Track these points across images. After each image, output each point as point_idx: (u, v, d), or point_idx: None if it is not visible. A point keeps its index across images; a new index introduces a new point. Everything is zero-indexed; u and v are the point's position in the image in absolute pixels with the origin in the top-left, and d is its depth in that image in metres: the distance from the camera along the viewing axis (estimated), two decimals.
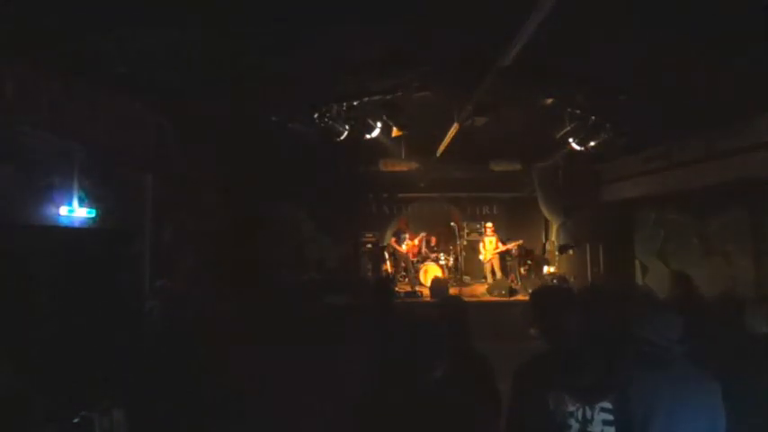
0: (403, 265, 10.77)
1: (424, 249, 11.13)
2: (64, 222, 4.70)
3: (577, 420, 1.95)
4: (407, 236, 10.92)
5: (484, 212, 12.00)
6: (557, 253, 10.39)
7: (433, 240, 11.44)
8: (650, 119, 6.12)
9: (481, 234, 11.01)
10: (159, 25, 3.71)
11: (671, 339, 2.07)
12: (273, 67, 4.64)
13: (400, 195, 11.53)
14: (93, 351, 3.89)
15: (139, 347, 4.01)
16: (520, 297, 9.17)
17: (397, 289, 9.62)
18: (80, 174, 4.90)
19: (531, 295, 2.48)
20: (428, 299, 8.78)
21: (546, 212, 10.64)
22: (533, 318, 2.24)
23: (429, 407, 1.86)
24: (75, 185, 4.85)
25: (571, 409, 1.96)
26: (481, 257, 10.66)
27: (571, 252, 9.82)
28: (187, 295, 5.02)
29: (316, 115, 5.83)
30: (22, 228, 4.26)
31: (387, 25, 3.86)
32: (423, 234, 11.11)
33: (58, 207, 4.62)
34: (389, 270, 10.73)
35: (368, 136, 6.11)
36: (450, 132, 6.73)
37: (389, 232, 11.50)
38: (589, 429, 1.95)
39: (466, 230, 11.68)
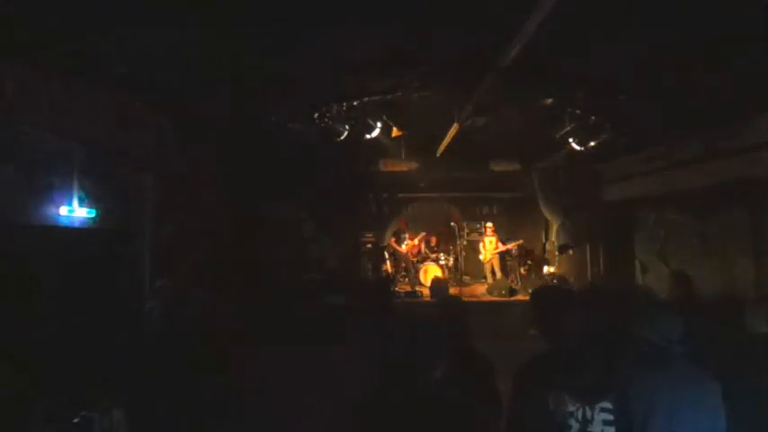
0: (403, 265, 10.78)
1: (423, 249, 11.14)
2: (64, 222, 4.70)
3: (577, 420, 1.95)
4: (407, 236, 10.92)
5: (484, 212, 11.99)
6: (557, 253, 10.39)
7: (433, 240, 11.44)
8: (650, 119, 6.11)
9: (481, 234, 11.01)
10: (159, 25, 3.71)
11: (671, 339, 2.08)
12: (273, 67, 4.64)
13: (400, 195, 11.53)
14: (93, 351, 3.89)
15: (139, 347, 4.01)
16: (520, 297, 9.17)
17: (397, 289, 9.63)
18: (80, 174, 4.90)
19: (531, 295, 2.48)
20: (428, 299, 8.77)
21: (546, 212, 10.64)
22: (533, 318, 2.24)
23: (429, 407, 1.87)
24: (75, 185, 4.85)
25: (571, 409, 1.96)
26: (481, 257, 10.66)
27: (571, 252, 9.82)
28: (187, 295, 5.02)
29: (316, 115, 5.84)
30: (22, 228, 4.26)
31: (387, 25, 3.86)
32: (423, 234, 11.11)
33: (58, 207, 4.62)
34: (389, 270, 10.73)
35: (368, 136, 6.11)
36: (450, 132, 6.73)
37: (389, 232, 11.50)
38: (589, 429, 1.95)
39: (466, 230, 11.68)
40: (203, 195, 7.35)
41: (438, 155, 8.19)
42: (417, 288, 9.81)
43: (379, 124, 6.03)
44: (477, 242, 10.96)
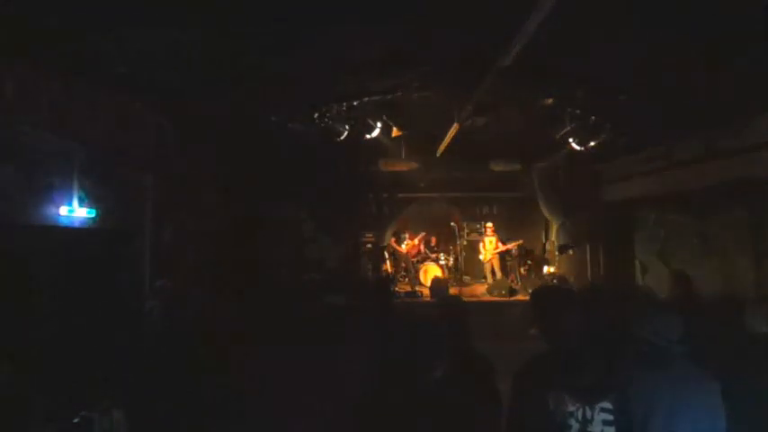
0: (403, 265, 10.78)
1: (423, 249, 11.14)
2: (64, 222, 4.70)
3: (577, 420, 1.95)
4: (407, 236, 10.92)
5: (484, 212, 11.99)
6: (557, 253, 10.39)
7: (433, 240, 11.45)
8: (650, 119, 6.11)
9: (481, 234, 11.01)
10: (159, 25, 3.71)
11: (671, 339, 2.08)
12: (273, 67, 4.64)
13: (400, 195, 11.53)
14: (93, 351, 3.89)
15: (139, 347, 4.01)
16: (520, 297, 9.17)
17: (397, 289, 9.63)
18: (80, 174, 4.90)
19: (531, 295, 2.48)
20: (428, 299, 8.78)
21: (546, 212, 10.64)
22: (533, 318, 2.24)
23: (429, 407, 1.87)
24: (75, 185, 4.85)
25: (571, 409, 1.96)
26: (481, 257, 10.66)
27: (571, 252, 9.82)
28: (187, 295, 5.02)
29: (316, 115, 5.84)
30: (22, 228, 4.26)
31: (387, 25, 3.86)
32: (423, 234, 11.12)
33: (58, 207, 4.62)
34: (389, 270, 10.73)
35: (368, 136, 6.11)
36: (450, 132, 6.73)
37: (389, 232, 11.50)
38: (589, 429, 1.95)
39: (466, 230, 11.68)
40: (203, 195, 7.35)
41: (438, 155, 8.19)
42: (417, 288, 9.81)
43: (379, 124, 6.03)
44: (477, 242, 10.96)
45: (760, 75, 4.36)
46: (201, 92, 5.25)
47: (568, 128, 6.22)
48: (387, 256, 10.89)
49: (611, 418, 1.96)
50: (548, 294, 2.54)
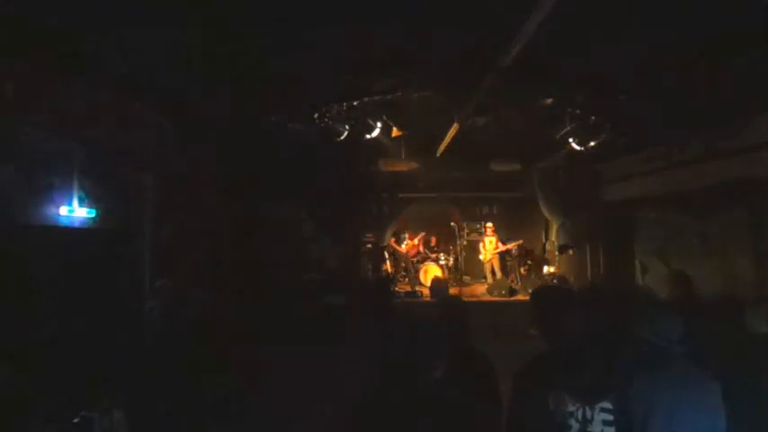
0: (403, 265, 10.78)
1: (423, 249, 11.14)
2: (64, 222, 4.70)
3: (577, 420, 1.95)
4: (407, 236, 10.92)
5: (484, 212, 11.99)
6: (557, 253, 10.39)
7: (433, 240, 11.45)
8: (650, 119, 6.11)
9: (481, 234, 11.01)
10: (159, 25, 3.71)
11: (671, 339, 2.07)
12: (273, 67, 4.64)
13: (400, 195, 11.53)
14: (93, 351, 3.89)
15: (139, 347, 4.01)
16: (520, 297, 9.17)
17: (397, 289, 9.63)
18: (80, 174, 4.90)
19: (531, 295, 2.48)
20: (428, 299, 8.78)
21: (546, 212, 10.64)
22: (533, 318, 2.24)
23: (429, 407, 1.86)
24: (75, 185, 4.85)
25: (571, 409, 1.96)
26: (481, 257, 10.66)
27: (571, 252, 9.82)
28: (187, 295, 5.02)
29: (316, 115, 5.83)
30: (22, 228, 4.26)
31: (387, 25, 3.86)
32: (422, 234, 11.12)
33: (58, 207, 4.62)
34: (389, 270, 10.73)
35: (368, 136, 6.11)
36: (450, 132, 6.73)
37: (389, 232, 11.50)
38: (589, 429, 1.95)
39: (466, 230, 11.68)
40: (203, 195, 7.35)
41: (438, 155, 8.19)
42: (417, 288, 9.81)
43: (379, 124, 6.03)
44: (477, 242, 10.96)
45: (760, 75, 4.36)
46: (201, 92, 5.24)
47: (568, 128, 6.21)
48: (387, 256, 10.90)
49: (611, 418, 1.96)
50: (548, 294, 2.54)
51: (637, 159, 7.99)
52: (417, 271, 10.49)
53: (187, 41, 3.99)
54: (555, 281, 9.52)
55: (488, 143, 7.91)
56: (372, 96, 5.50)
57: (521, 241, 10.69)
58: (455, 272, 10.97)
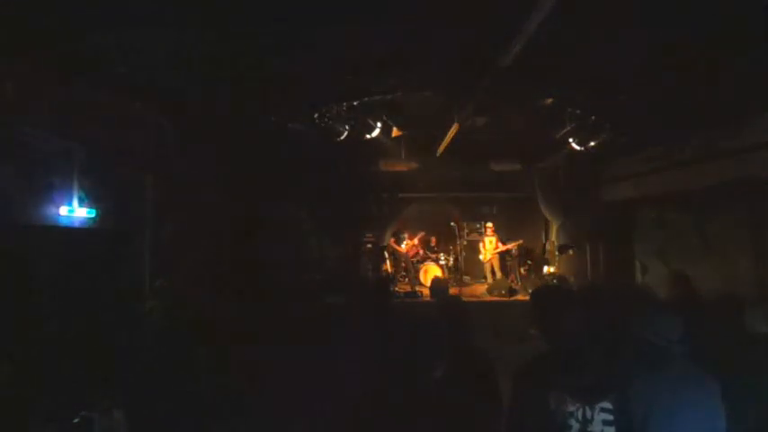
0: (403, 265, 10.78)
1: (422, 249, 11.14)
2: (64, 222, 4.70)
3: (577, 420, 1.95)
4: (407, 236, 10.92)
5: (484, 212, 11.98)
6: (557, 253, 10.38)
7: (433, 240, 11.45)
8: (650, 119, 6.12)
9: (481, 234, 11.01)
10: (159, 25, 3.71)
11: (671, 339, 2.07)
12: (273, 67, 4.64)
13: (400, 195, 11.53)
14: (93, 351, 3.90)
15: (139, 347, 4.01)
16: (520, 297, 9.17)
17: (397, 289, 9.63)
18: (80, 174, 4.90)
19: (531, 295, 2.48)
20: (428, 299, 8.78)
21: (546, 212, 10.64)
22: (533, 318, 2.24)
23: (429, 407, 1.86)
24: (75, 185, 4.85)
25: (571, 409, 1.96)
26: (481, 257, 10.66)
27: (571, 252, 9.81)
28: (187, 295, 5.02)
29: (316, 115, 5.84)
30: (22, 228, 4.26)
31: (387, 25, 3.86)
32: (421, 234, 11.12)
33: (58, 207, 4.62)
34: (389, 270, 10.73)
35: (368, 136, 6.12)
36: (450, 132, 6.73)
37: (389, 232, 11.50)
38: (589, 429, 1.95)
39: (466, 230, 11.68)
40: (203, 195, 7.35)
41: (438, 155, 8.19)
42: (417, 288, 9.81)
43: (379, 124, 6.03)
44: (477, 242, 10.96)
45: (760, 75, 4.36)
46: (201, 92, 5.25)
47: (568, 128, 6.22)
48: (387, 256, 10.89)
49: (611, 417, 1.96)
50: (548, 294, 2.53)
51: (637, 159, 7.99)
52: (417, 271, 10.49)
53: (187, 41, 3.99)
54: (555, 281, 9.51)
55: (488, 143, 7.91)
56: (372, 96, 5.50)
57: (521, 241, 10.69)
58: (455, 272, 10.97)
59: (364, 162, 9.15)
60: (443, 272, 10.48)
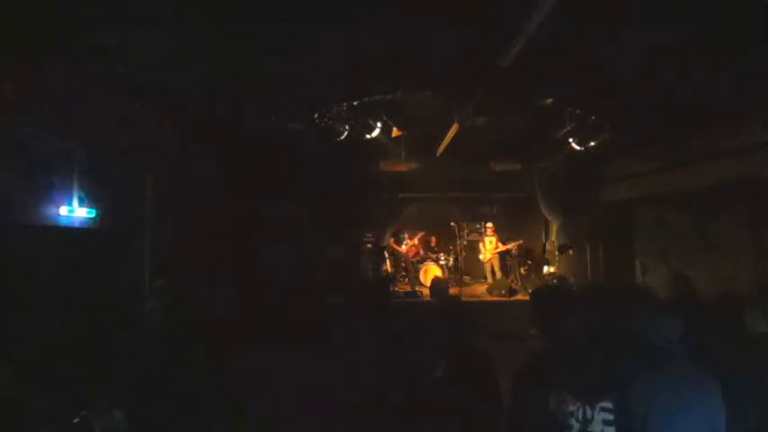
0: (403, 265, 10.79)
1: (422, 249, 11.14)
2: (64, 222, 4.70)
3: (578, 420, 1.96)
4: (407, 236, 10.92)
5: (484, 212, 11.98)
6: (557, 253, 10.39)
7: (433, 240, 11.45)
8: (650, 119, 6.11)
9: (481, 234, 11.01)
10: (159, 25, 3.71)
11: (671, 339, 2.07)
12: (273, 67, 4.64)
13: (400, 195, 11.53)
14: (93, 351, 3.90)
15: (139, 347, 4.01)
16: (520, 297, 9.17)
17: (397, 289, 9.63)
18: (80, 174, 4.90)
19: (531, 295, 2.48)
20: (428, 299, 8.78)
21: (546, 212, 10.64)
22: (533, 318, 2.24)
23: (429, 407, 1.87)
24: (75, 185, 4.85)
25: (571, 408, 1.97)
26: (481, 257, 10.67)
27: (571, 252, 9.81)
28: (187, 295, 5.02)
29: (316, 115, 5.84)
30: (22, 228, 4.26)
31: (387, 25, 3.86)
32: (421, 234, 11.12)
33: (58, 207, 4.62)
34: (389, 270, 10.74)
35: (368, 136, 6.12)
36: (450, 132, 6.73)
37: (389, 232, 11.50)
38: (589, 429, 1.95)
39: (466, 230, 11.68)
40: (203, 195, 7.35)
41: (438, 155, 8.19)
42: (417, 288, 9.81)
43: (379, 124, 6.03)
44: (477, 242, 10.96)
45: (760, 75, 4.36)
46: (201, 92, 5.24)
47: (568, 128, 6.22)
48: (387, 256, 10.90)
49: (611, 417, 1.96)
50: (548, 294, 2.54)
51: (637, 159, 7.99)
52: (417, 271, 10.49)
53: (187, 41, 3.99)
54: (555, 281, 9.52)
55: (488, 143, 7.91)
56: (372, 96, 5.50)
57: (521, 241, 10.69)
58: (455, 272, 10.98)
59: (364, 162, 9.15)
60: (443, 272, 10.48)
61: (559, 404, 1.97)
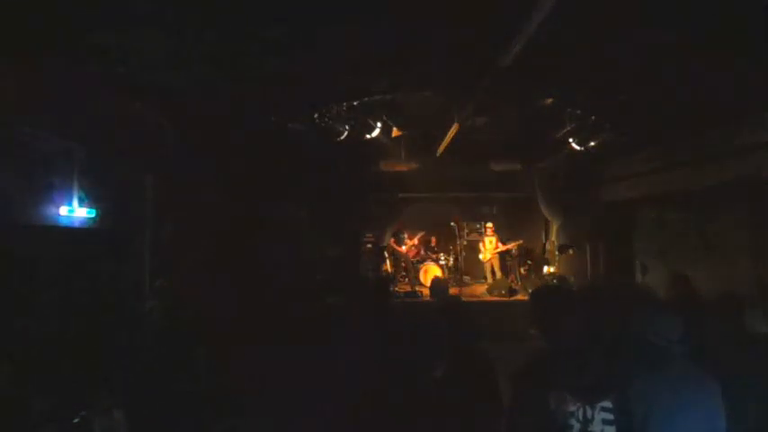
0: (403, 265, 10.79)
1: (422, 249, 11.14)
2: (64, 222, 4.70)
3: (578, 420, 1.95)
4: (407, 236, 10.92)
5: (484, 212, 11.98)
6: (557, 253, 10.39)
7: (433, 240, 11.45)
8: (650, 119, 6.11)
9: (481, 234, 11.02)
10: (159, 25, 3.71)
11: (671, 339, 2.07)
12: (273, 67, 4.64)
13: (400, 195, 11.52)
14: (93, 351, 3.90)
15: (139, 347, 4.01)
16: (520, 297, 9.17)
17: (396, 289, 9.63)
18: (80, 174, 4.90)
19: (531, 295, 2.48)
20: (428, 299, 8.78)
21: (546, 212, 10.64)
22: (533, 318, 2.24)
23: (429, 407, 1.87)
24: (75, 185, 4.85)
25: (572, 408, 1.97)
26: (481, 257, 10.67)
27: (571, 252, 9.82)
28: (187, 295, 5.02)
29: (316, 115, 5.84)
30: (22, 228, 4.26)
31: (387, 25, 3.86)
32: (421, 234, 11.12)
33: (58, 207, 4.62)
34: (389, 270, 10.74)
35: (368, 136, 6.12)
36: (450, 132, 6.73)
37: (389, 232, 11.50)
38: (590, 429, 1.95)
39: (466, 230, 11.68)
40: (203, 195, 7.34)
41: (438, 155, 8.19)
42: (417, 288, 9.81)
43: (379, 124, 6.03)
44: (477, 242, 10.96)
45: (760, 75, 4.35)
46: (201, 92, 5.24)
47: (568, 128, 6.21)
48: (387, 256, 10.90)
49: (611, 417, 1.96)
50: (548, 294, 2.54)
51: (637, 159, 7.99)
52: (417, 271, 10.49)
53: (187, 41, 3.98)
54: (555, 281, 9.52)
55: (488, 143, 7.91)
56: (372, 96, 5.50)
57: (521, 241, 10.69)
58: (455, 272, 10.98)
59: (364, 162, 9.15)
60: (443, 272, 10.49)
61: (559, 404, 1.97)
